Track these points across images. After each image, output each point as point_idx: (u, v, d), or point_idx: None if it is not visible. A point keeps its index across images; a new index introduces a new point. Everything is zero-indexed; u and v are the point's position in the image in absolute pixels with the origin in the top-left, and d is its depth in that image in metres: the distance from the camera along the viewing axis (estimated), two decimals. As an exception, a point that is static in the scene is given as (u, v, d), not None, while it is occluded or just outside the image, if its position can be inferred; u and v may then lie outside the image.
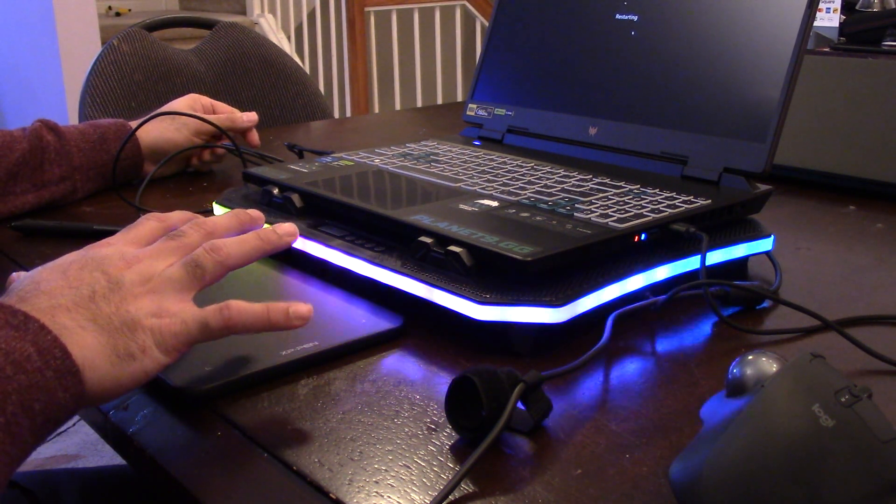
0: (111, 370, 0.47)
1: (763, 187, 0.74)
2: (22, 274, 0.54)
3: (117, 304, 0.49)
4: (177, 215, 0.58)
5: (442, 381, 0.55)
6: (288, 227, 0.58)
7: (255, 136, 1.09)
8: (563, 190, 0.73)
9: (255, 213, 0.60)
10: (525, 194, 0.72)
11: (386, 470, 0.46)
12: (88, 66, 1.49)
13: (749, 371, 0.43)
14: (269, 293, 0.69)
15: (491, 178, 0.77)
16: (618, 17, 0.86)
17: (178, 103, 1.05)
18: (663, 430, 0.50)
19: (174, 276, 0.52)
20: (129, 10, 4.23)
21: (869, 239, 0.85)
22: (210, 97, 1.09)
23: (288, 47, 3.88)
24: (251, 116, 1.08)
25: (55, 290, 0.48)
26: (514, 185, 0.75)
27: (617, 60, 0.85)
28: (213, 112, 1.07)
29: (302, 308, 0.53)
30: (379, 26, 3.76)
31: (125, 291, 0.50)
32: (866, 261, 0.79)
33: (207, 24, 1.63)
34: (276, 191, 0.76)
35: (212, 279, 0.53)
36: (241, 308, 0.52)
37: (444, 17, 3.81)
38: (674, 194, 0.71)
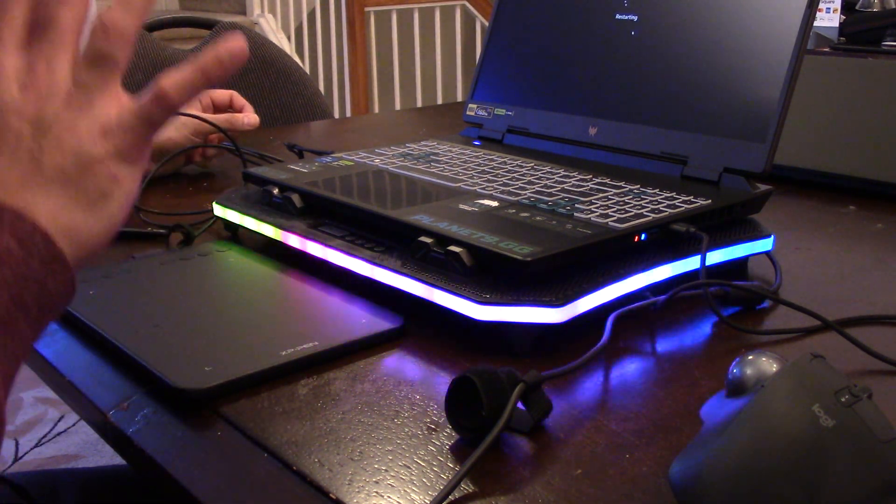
0: (95, 222, 0.45)
1: (763, 187, 0.74)
2: None
3: (59, 149, 0.44)
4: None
5: (442, 381, 0.55)
6: None
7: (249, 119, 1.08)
8: (563, 190, 0.73)
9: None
10: (525, 194, 0.72)
11: (386, 470, 0.46)
12: (88, 66, 1.49)
13: (749, 371, 0.43)
14: (269, 293, 0.69)
15: (491, 178, 0.77)
16: (618, 17, 0.86)
17: None
18: (663, 430, 0.50)
19: (88, 81, 0.45)
20: (129, 10, 4.22)
21: (869, 239, 0.85)
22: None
23: (288, 47, 3.88)
24: (252, 120, 1.09)
25: None
26: (514, 185, 0.75)
27: (617, 60, 0.85)
28: (211, 102, 1.08)
29: (231, 43, 0.47)
30: (379, 26, 3.76)
31: (56, 128, 0.44)
32: (866, 261, 0.79)
33: (207, 24, 1.63)
34: (276, 191, 0.76)
35: (125, 60, 0.46)
36: (175, 83, 0.46)
37: (444, 17, 3.80)
38: (674, 194, 0.71)
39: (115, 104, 0.46)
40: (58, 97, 0.45)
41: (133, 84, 1.50)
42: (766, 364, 0.43)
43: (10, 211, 0.42)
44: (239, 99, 1.11)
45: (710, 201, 0.70)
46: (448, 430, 0.50)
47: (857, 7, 1.40)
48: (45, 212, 0.43)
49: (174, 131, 1.02)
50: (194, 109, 1.06)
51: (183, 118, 1.03)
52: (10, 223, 0.41)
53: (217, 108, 1.10)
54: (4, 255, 0.40)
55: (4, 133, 0.44)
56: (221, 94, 1.10)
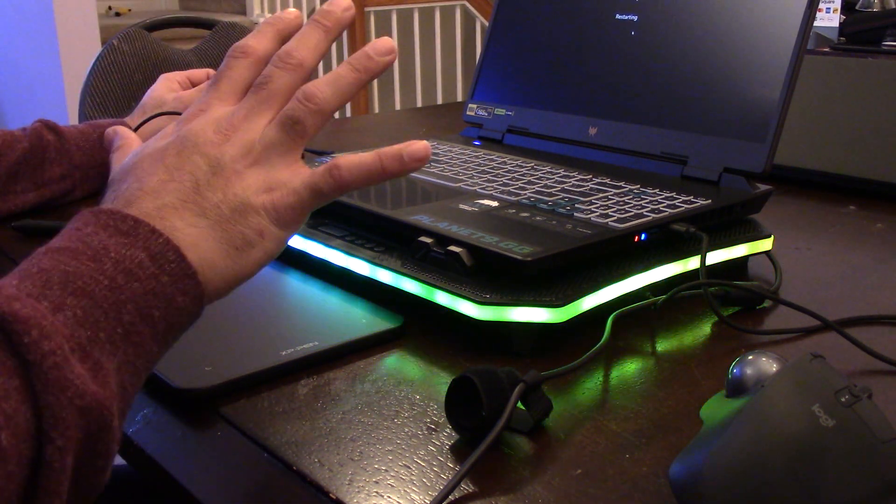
0: (231, 264, 0.45)
1: (763, 187, 0.74)
2: (118, 138, 0.52)
3: (223, 189, 0.46)
4: (262, 41, 0.51)
5: (442, 381, 0.55)
6: (383, 44, 0.51)
7: None
8: (563, 190, 0.73)
9: (339, 5, 0.51)
10: (525, 194, 0.72)
11: (386, 470, 0.46)
12: (88, 66, 1.49)
13: (749, 371, 0.43)
14: (269, 293, 0.69)
15: (491, 178, 0.77)
16: (618, 17, 0.86)
17: (157, 92, 1.05)
18: (663, 430, 0.50)
19: (274, 140, 0.48)
20: (129, 10, 4.23)
21: (869, 239, 0.85)
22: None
23: (288, 47, 3.87)
24: None
25: (159, 187, 0.45)
26: (514, 185, 0.75)
27: (617, 60, 0.85)
28: (190, 84, 1.07)
29: (417, 146, 0.49)
30: (379, 26, 3.76)
31: (228, 171, 0.46)
32: (866, 261, 0.79)
33: (207, 25, 1.63)
34: (276, 191, 0.76)
35: (314, 130, 0.49)
36: (351, 164, 0.48)
37: (444, 17, 3.80)
38: (674, 194, 0.71)
39: (290, 167, 0.48)
40: (242, 146, 0.47)
41: (132, 84, 1.50)
42: (766, 364, 0.43)
43: (146, 225, 0.43)
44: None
45: (710, 201, 0.70)
46: (448, 430, 0.50)
47: (857, 7, 1.40)
48: (188, 237, 0.44)
49: (168, 120, 1.02)
50: (175, 90, 1.05)
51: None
52: (145, 237, 0.42)
53: (193, 85, 1.09)
54: (136, 269, 0.41)
55: (185, 163, 0.46)
56: (199, 74, 1.09)
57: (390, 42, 0.50)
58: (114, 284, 0.40)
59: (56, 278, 0.39)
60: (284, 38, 0.51)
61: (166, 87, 1.05)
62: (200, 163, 0.46)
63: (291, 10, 0.53)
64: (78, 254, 0.41)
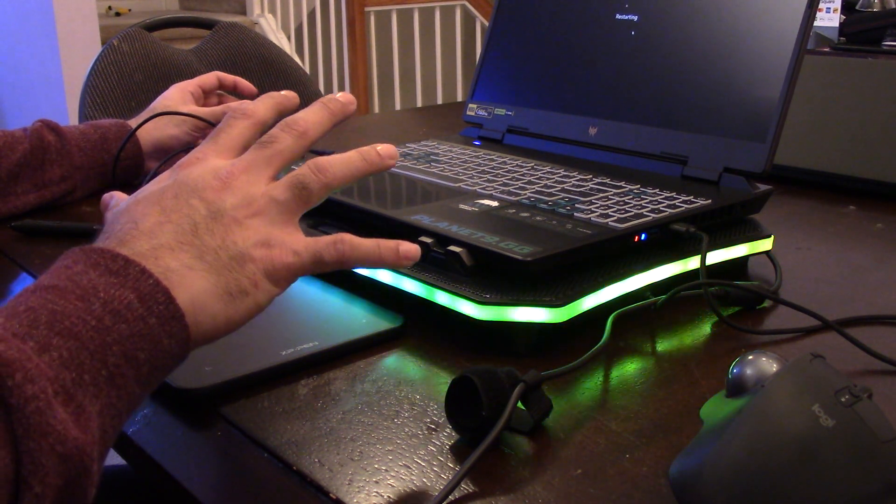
0: (224, 309, 0.45)
1: (763, 187, 0.74)
2: (115, 199, 0.52)
3: (222, 236, 0.46)
4: (263, 108, 0.53)
5: (442, 381, 0.55)
6: (388, 148, 0.53)
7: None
8: (563, 190, 0.73)
9: (344, 98, 0.54)
10: (525, 194, 0.72)
11: (386, 470, 0.46)
12: (88, 66, 1.49)
13: (749, 371, 0.43)
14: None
15: (491, 178, 0.77)
16: (618, 17, 0.86)
17: (169, 99, 1.05)
18: (663, 430, 0.50)
19: (279, 198, 0.49)
20: (129, 10, 4.23)
21: (869, 239, 0.85)
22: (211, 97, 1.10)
23: (288, 47, 3.88)
24: (247, 91, 1.09)
25: (154, 227, 0.45)
26: (514, 185, 0.75)
27: (617, 60, 0.85)
28: (202, 93, 1.08)
29: (411, 248, 0.52)
30: (379, 26, 3.76)
31: (228, 219, 0.47)
32: (866, 261, 0.79)
33: (207, 24, 1.63)
34: (276, 191, 0.76)
35: (317, 201, 0.50)
36: (355, 243, 0.50)
37: (444, 17, 3.80)
38: (674, 194, 0.71)
39: (288, 229, 0.49)
40: (244, 197, 0.48)
41: (132, 84, 1.50)
42: (766, 364, 0.43)
43: (136, 265, 0.42)
44: (226, 77, 1.10)
45: (710, 201, 0.70)
46: (448, 430, 0.50)
47: (857, 7, 1.40)
48: (183, 278, 0.44)
49: (174, 127, 1.02)
50: (188, 102, 1.05)
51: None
52: (135, 278, 0.42)
53: (205, 92, 1.10)
54: (124, 311, 0.41)
55: (183, 206, 0.46)
56: (208, 79, 1.09)
57: (396, 151, 0.53)
58: (101, 325, 0.40)
59: (43, 318, 0.39)
60: (282, 113, 0.53)
61: (179, 98, 1.05)
62: (199, 206, 0.47)
63: (291, 92, 0.55)
64: (66, 292, 0.40)
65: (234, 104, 1.07)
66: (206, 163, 0.49)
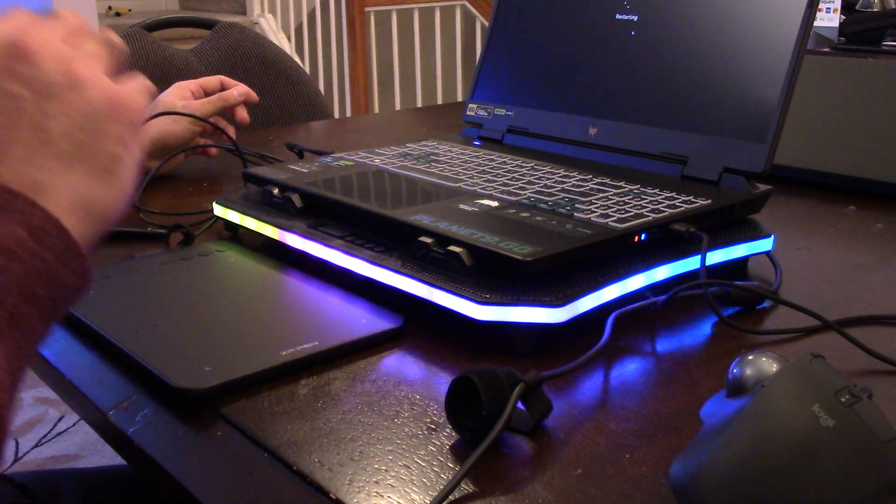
0: (109, 192, 0.43)
1: (763, 187, 0.74)
2: None
3: (66, 113, 0.41)
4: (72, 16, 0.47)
5: (442, 381, 0.55)
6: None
7: (243, 113, 1.09)
8: (563, 190, 0.73)
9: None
10: (525, 194, 0.72)
11: (386, 470, 0.46)
12: (88, 66, 1.49)
13: (749, 371, 0.43)
14: (269, 293, 0.69)
15: (491, 178, 0.77)
16: (618, 17, 0.86)
17: (168, 98, 1.06)
18: (663, 430, 0.50)
19: (91, 49, 0.44)
20: (129, 10, 4.23)
21: (869, 239, 0.85)
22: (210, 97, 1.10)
23: (288, 47, 3.88)
24: (241, 89, 1.09)
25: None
26: (514, 185, 0.75)
27: (617, 60, 0.85)
28: (203, 93, 1.08)
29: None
30: (379, 26, 3.76)
31: (57, 90, 0.42)
32: (866, 261, 0.79)
33: (207, 24, 1.63)
34: (276, 191, 0.76)
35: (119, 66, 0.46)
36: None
37: (444, 17, 3.80)
38: (674, 194, 0.71)
39: (100, 78, 0.44)
40: (58, 60, 0.42)
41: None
42: (766, 364, 0.43)
43: (23, 197, 0.39)
44: (229, 80, 1.11)
45: (710, 201, 0.70)
46: (448, 430, 0.50)
47: (857, 7, 1.40)
48: (60, 191, 0.40)
49: (173, 123, 1.03)
50: (187, 100, 1.06)
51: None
52: (22, 211, 0.39)
53: (207, 93, 1.10)
54: (16, 248, 0.38)
55: (7, 102, 0.41)
56: (211, 81, 1.10)
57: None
58: None
59: None
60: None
61: (178, 95, 1.06)
62: (25, 93, 0.41)
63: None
64: None
65: (226, 93, 1.08)
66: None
